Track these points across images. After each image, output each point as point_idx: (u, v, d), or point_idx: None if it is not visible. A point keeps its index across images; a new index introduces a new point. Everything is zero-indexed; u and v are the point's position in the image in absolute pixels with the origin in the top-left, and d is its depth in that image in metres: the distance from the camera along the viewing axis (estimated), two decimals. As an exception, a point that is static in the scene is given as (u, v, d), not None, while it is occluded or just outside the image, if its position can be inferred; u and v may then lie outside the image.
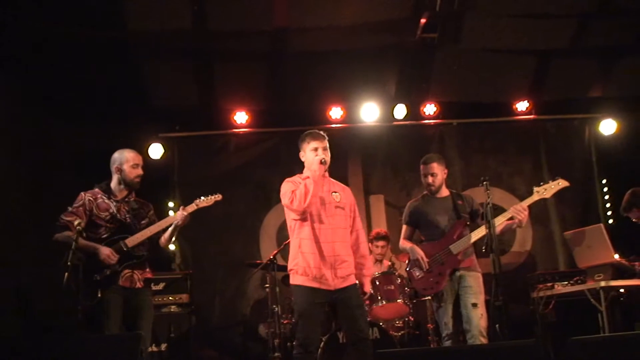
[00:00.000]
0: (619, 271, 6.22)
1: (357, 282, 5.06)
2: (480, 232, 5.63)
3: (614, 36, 7.70)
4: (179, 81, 7.97)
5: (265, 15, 7.05)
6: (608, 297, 6.15)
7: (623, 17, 7.42)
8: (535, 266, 8.18)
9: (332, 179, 5.23)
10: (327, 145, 5.08)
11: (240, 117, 8.27)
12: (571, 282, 6.48)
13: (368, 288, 5.29)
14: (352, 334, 4.92)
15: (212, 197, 5.73)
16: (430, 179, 5.96)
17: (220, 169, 8.29)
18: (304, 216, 4.89)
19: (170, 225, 5.37)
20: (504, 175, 8.47)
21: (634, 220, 6.38)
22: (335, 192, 5.13)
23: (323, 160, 4.91)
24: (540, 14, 7.26)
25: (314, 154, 4.98)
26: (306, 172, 5.07)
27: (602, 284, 6.00)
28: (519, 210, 5.48)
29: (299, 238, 4.95)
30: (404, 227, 6.09)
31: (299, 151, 5.15)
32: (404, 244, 6.01)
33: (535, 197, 5.59)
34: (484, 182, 5.08)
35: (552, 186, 5.55)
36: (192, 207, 5.55)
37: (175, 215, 5.38)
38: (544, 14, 7.27)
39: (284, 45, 7.56)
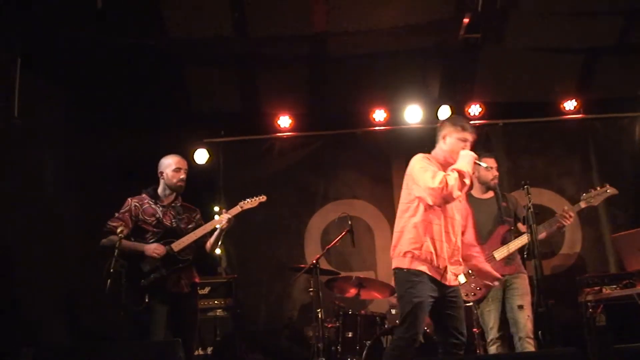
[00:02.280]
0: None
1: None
2: (522, 240, 5.55)
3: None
4: (223, 87, 8.07)
5: (304, 20, 7.07)
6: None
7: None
8: (585, 268, 7.98)
9: None
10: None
11: (284, 121, 8.33)
12: (620, 285, 6.33)
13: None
14: (452, 336, 4.61)
15: (257, 198, 5.78)
16: (494, 172, 5.87)
17: (264, 172, 8.34)
18: (443, 204, 4.61)
19: (216, 229, 5.43)
20: (552, 176, 8.29)
21: None
22: None
23: (478, 159, 4.73)
24: (585, 12, 7.12)
25: (462, 145, 4.75)
26: (441, 156, 4.80)
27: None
28: (566, 216, 5.39)
29: (427, 222, 4.62)
30: None
31: (441, 130, 4.88)
32: None
33: (582, 205, 5.51)
34: (525, 186, 4.98)
35: (600, 193, 5.45)
36: (236, 210, 5.61)
37: (220, 218, 5.42)
38: (589, 11, 7.12)
39: (325, 49, 7.59)
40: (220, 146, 8.37)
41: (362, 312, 6.90)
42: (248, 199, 5.67)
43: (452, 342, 4.60)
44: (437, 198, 4.53)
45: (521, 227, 5.86)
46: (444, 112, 8.26)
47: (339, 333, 6.53)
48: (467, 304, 6.09)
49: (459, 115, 4.92)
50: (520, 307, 5.43)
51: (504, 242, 5.65)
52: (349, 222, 6.75)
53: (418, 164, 4.73)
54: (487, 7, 6.65)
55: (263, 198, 5.73)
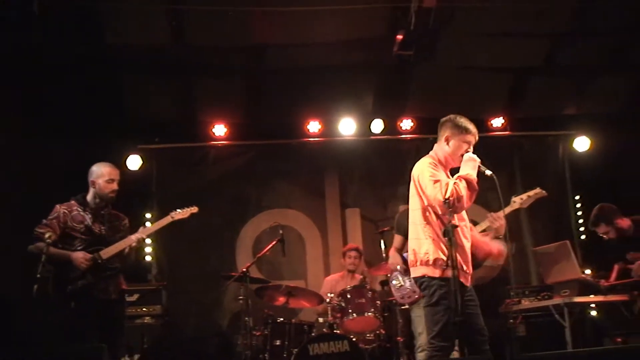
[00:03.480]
0: (585, 287, 6.33)
1: None
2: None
3: (588, 55, 7.84)
4: (159, 94, 8.06)
5: (242, 31, 7.15)
6: (574, 313, 6.27)
7: (595, 37, 7.56)
8: (509, 280, 8.26)
9: None
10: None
11: (219, 130, 8.36)
12: (538, 297, 6.60)
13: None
14: (478, 333, 4.58)
15: (188, 209, 5.83)
16: None
17: (198, 181, 8.36)
18: (453, 211, 4.50)
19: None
20: (479, 191, 8.54)
21: (600, 234, 6.50)
22: None
23: (482, 166, 4.62)
24: (514, 33, 7.40)
25: (465, 147, 4.67)
26: (442, 157, 4.72)
27: (566, 300, 6.11)
28: (494, 218, 5.56)
29: (442, 229, 4.54)
30: (395, 236, 6.21)
31: (443, 130, 4.74)
32: (390, 252, 6.15)
33: (514, 206, 5.69)
34: (446, 201, 5.09)
35: (530, 195, 5.65)
36: (167, 220, 5.67)
37: (131, 237, 5.43)
38: (518, 33, 7.40)
39: (262, 61, 7.67)
40: (154, 153, 8.34)
41: (293, 320, 7.00)
42: (179, 210, 5.73)
43: (478, 339, 4.56)
44: (446, 209, 4.46)
45: None
46: (377, 125, 8.46)
47: (267, 341, 6.59)
48: (403, 307, 6.25)
49: (459, 116, 4.72)
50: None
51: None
52: (280, 232, 6.86)
53: (427, 171, 4.61)
54: (419, 26, 6.83)
55: (194, 209, 5.79)
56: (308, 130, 8.49)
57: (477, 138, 4.73)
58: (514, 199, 5.73)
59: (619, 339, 6.72)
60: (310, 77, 7.84)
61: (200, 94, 8.18)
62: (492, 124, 8.66)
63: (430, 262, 4.56)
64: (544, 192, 5.70)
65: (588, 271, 8.04)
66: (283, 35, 7.24)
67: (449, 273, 4.43)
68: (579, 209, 8.70)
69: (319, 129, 8.49)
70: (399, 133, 8.66)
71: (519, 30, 7.40)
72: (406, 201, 5.30)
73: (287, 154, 8.58)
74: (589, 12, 7.15)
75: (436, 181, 4.51)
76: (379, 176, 8.59)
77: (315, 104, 8.30)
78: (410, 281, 5.86)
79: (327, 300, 6.70)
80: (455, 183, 4.47)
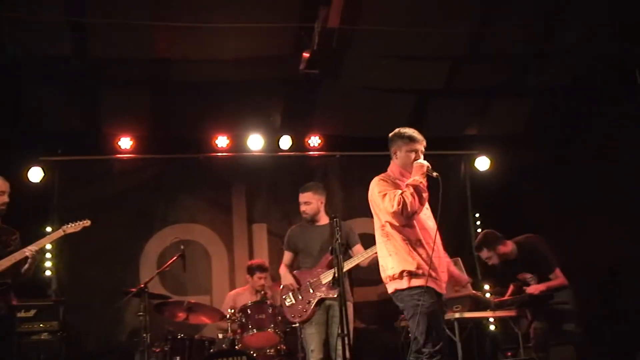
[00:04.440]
0: (476, 303, 6.57)
1: None
2: (349, 264, 5.86)
3: (486, 79, 8.15)
4: (62, 106, 7.90)
5: (147, 45, 7.13)
6: (466, 328, 6.49)
7: (492, 61, 7.87)
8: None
9: None
10: (424, 148, 4.88)
11: (125, 143, 8.26)
12: (432, 312, 6.78)
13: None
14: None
15: (80, 223, 5.78)
16: (303, 207, 6.21)
17: (102, 194, 8.22)
18: (410, 220, 4.61)
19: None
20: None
21: (484, 259, 6.74)
22: None
23: (429, 169, 4.71)
24: (415, 56, 7.62)
25: (413, 155, 4.80)
26: (396, 171, 4.87)
27: (456, 315, 6.32)
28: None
29: (407, 240, 4.61)
30: (285, 253, 6.29)
31: (391, 146, 4.92)
32: (281, 269, 6.22)
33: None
34: (334, 219, 5.19)
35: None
36: (58, 234, 5.60)
37: (22, 251, 5.33)
38: (419, 56, 7.63)
39: (168, 74, 7.64)
40: (56, 165, 8.16)
41: (197, 336, 6.99)
42: (71, 224, 5.67)
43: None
44: (401, 219, 4.57)
45: (353, 252, 6.18)
46: (285, 141, 8.55)
47: (167, 358, 6.56)
48: (293, 325, 6.32)
49: (404, 128, 4.95)
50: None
51: (332, 266, 5.93)
52: (182, 247, 6.86)
53: (376, 188, 4.76)
54: (323, 46, 6.97)
55: (87, 223, 5.74)
56: (216, 145, 8.50)
57: (424, 144, 4.88)
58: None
59: (510, 353, 7.01)
60: (218, 92, 7.87)
61: (106, 107, 8.06)
62: (396, 143, 8.89)
63: (397, 276, 4.65)
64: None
65: (487, 287, 8.34)
66: (189, 50, 7.24)
67: (417, 282, 4.53)
68: (478, 226, 9.00)
69: (227, 144, 8.51)
70: (307, 150, 8.78)
71: (420, 53, 7.62)
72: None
73: (194, 169, 8.55)
74: (486, 38, 7.45)
75: (384, 195, 4.64)
76: (286, 192, 8.60)
77: (224, 119, 8.33)
78: (301, 298, 5.95)
79: (228, 316, 6.71)
80: (402, 192, 4.59)
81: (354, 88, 8.03)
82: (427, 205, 4.83)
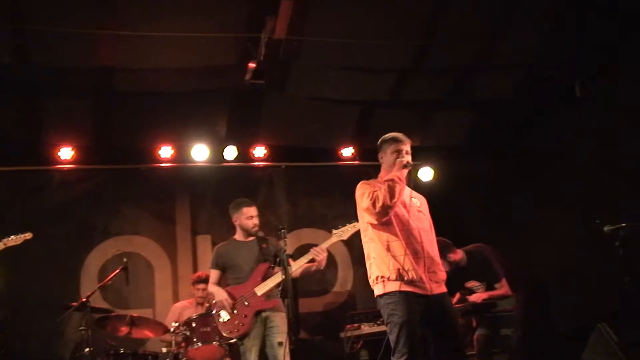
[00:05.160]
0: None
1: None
2: (279, 277, 5.85)
3: (429, 91, 8.25)
4: (1, 114, 7.65)
5: (89, 53, 6.98)
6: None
7: (436, 74, 7.98)
8: (356, 306, 8.51)
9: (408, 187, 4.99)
10: (409, 149, 4.90)
11: (65, 153, 8.06)
12: (378, 322, 6.84)
13: None
14: (449, 344, 4.56)
15: (22, 235, 5.69)
16: (255, 220, 6.22)
17: (41, 206, 8.00)
18: (386, 218, 4.58)
19: None
20: (328, 217, 8.75)
21: None
22: (415, 198, 4.92)
23: (408, 163, 4.74)
24: (361, 67, 7.66)
25: (396, 156, 4.83)
26: (383, 175, 4.89)
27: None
28: (318, 252, 5.79)
29: (385, 242, 4.60)
30: (212, 271, 6.26)
31: (378, 152, 5.00)
32: (211, 287, 6.17)
33: (333, 239, 5.93)
34: (282, 231, 5.24)
35: (349, 229, 5.89)
36: (-2, 247, 5.43)
37: None
38: (364, 67, 7.67)
39: (110, 83, 7.47)
40: (-6, 176, 7.92)
41: (140, 351, 6.88)
42: (13, 236, 5.53)
43: (451, 346, 4.54)
44: (376, 214, 4.57)
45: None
46: (230, 152, 8.49)
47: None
48: (231, 341, 6.28)
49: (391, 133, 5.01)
50: (280, 343, 5.72)
51: (265, 278, 5.98)
52: (124, 260, 6.74)
53: (358, 191, 4.83)
54: (269, 57, 6.96)
55: (29, 235, 5.62)
56: (159, 155, 8.37)
57: (406, 142, 4.94)
58: (334, 232, 5.98)
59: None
60: (162, 102, 7.74)
61: (46, 116, 7.82)
62: (342, 154, 8.96)
63: (375, 282, 4.67)
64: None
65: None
66: (132, 59, 7.11)
67: (392, 287, 4.51)
68: (422, 236, 9.08)
69: (171, 155, 8.40)
70: (252, 160, 8.75)
71: (366, 64, 7.66)
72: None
73: (137, 180, 8.42)
74: (431, 51, 7.54)
75: (362, 194, 4.71)
76: (231, 203, 8.59)
77: (168, 129, 8.21)
78: (237, 313, 5.93)
79: (172, 329, 6.61)
80: (377, 189, 4.64)
81: (299, 98, 8.03)
82: (422, 207, 4.89)
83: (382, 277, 4.59)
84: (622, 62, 6.94)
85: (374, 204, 4.55)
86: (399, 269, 4.52)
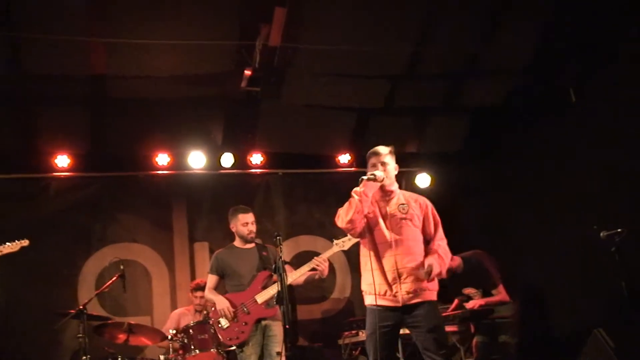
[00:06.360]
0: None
1: (434, 300, 4.76)
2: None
3: (424, 98, 8.28)
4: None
5: (83, 62, 7.00)
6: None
7: (430, 81, 8.01)
8: (354, 312, 8.50)
9: (406, 192, 5.08)
10: (385, 159, 4.93)
11: (62, 161, 8.05)
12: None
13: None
14: (425, 355, 4.61)
15: (18, 242, 5.68)
16: (251, 227, 6.22)
17: (38, 213, 7.99)
18: (354, 232, 4.74)
19: None
20: (326, 224, 8.74)
21: None
22: (404, 204, 4.88)
23: (371, 176, 4.75)
24: (355, 75, 7.69)
25: (373, 170, 4.89)
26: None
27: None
28: (320, 261, 5.79)
29: (366, 257, 4.78)
30: (210, 276, 6.25)
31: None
32: (209, 293, 6.16)
33: (335, 249, 5.93)
34: (277, 237, 5.23)
35: (350, 239, 5.89)
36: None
37: None
38: (359, 75, 7.70)
39: (106, 91, 7.50)
40: (-9, 184, 7.92)
41: (138, 358, 6.86)
42: (9, 243, 5.52)
43: (432, 357, 4.57)
44: (347, 229, 4.74)
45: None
46: (227, 159, 8.49)
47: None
48: (231, 348, 6.28)
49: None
50: (278, 353, 5.71)
51: (265, 286, 5.97)
52: (121, 267, 6.73)
53: None
54: (264, 64, 6.98)
55: (25, 242, 5.61)
56: (156, 162, 8.37)
57: (380, 155, 4.99)
58: (335, 242, 5.99)
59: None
60: (159, 109, 7.79)
61: (42, 124, 7.83)
62: (339, 161, 8.97)
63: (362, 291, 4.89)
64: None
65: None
66: (127, 66, 7.15)
67: (368, 300, 4.75)
68: (419, 242, 9.07)
69: (168, 162, 8.40)
70: (249, 167, 8.75)
71: (361, 72, 7.69)
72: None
73: (134, 187, 8.42)
74: (424, 58, 7.57)
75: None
76: (229, 210, 8.60)
77: (165, 136, 8.23)
78: (237, 321, 5.93)
79: (169, 336, 6.60)
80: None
81: (295, 106, 8.04)
82: (412, 212, 4.84)
83: (363, 290, 4.86)
84: (614, 69, 6.95)
85: (340, 220, 4.74)
86: (370, 284, 4.71)
